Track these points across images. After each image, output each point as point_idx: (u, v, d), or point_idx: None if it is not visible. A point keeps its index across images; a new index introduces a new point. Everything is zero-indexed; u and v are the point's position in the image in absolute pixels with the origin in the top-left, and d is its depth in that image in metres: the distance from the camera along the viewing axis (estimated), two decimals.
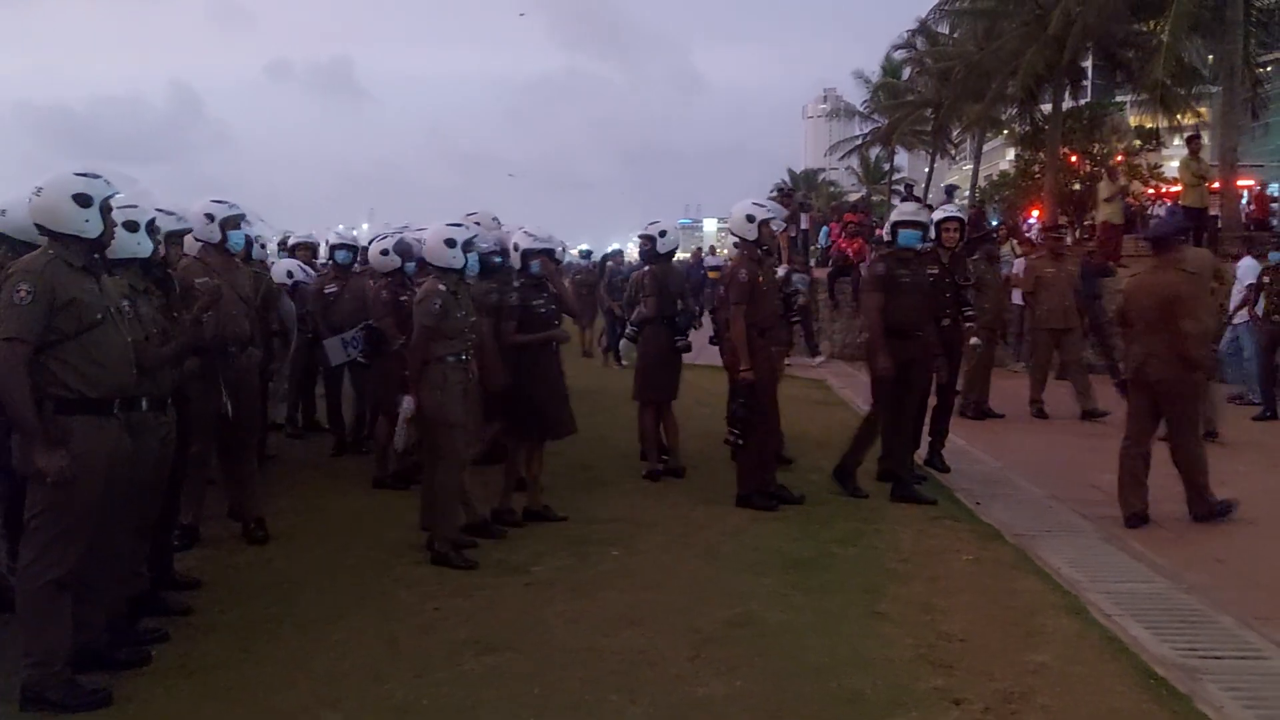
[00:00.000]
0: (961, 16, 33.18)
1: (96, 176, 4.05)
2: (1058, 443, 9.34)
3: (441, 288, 5.57)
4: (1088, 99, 33.83)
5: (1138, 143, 36.95)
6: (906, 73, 45.79)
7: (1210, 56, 22.86)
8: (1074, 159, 33.37)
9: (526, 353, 6.30)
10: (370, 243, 8.01)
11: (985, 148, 48.45)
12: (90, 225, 3.96)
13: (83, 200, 3.95)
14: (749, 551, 5.93)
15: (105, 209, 4.03)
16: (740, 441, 6.74)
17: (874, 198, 52.97)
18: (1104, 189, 16.48)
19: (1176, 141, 43.38)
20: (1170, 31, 19.64)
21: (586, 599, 5.16)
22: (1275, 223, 19.47)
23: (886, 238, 7.63)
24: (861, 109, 48.88)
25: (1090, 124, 33.76)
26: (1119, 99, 36.44)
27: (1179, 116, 25.58)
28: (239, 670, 4.27)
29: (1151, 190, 33.85)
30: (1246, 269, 11.21)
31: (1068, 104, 29.47)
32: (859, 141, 50.79)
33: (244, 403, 5.75)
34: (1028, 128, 33.65)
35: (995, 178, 42.32)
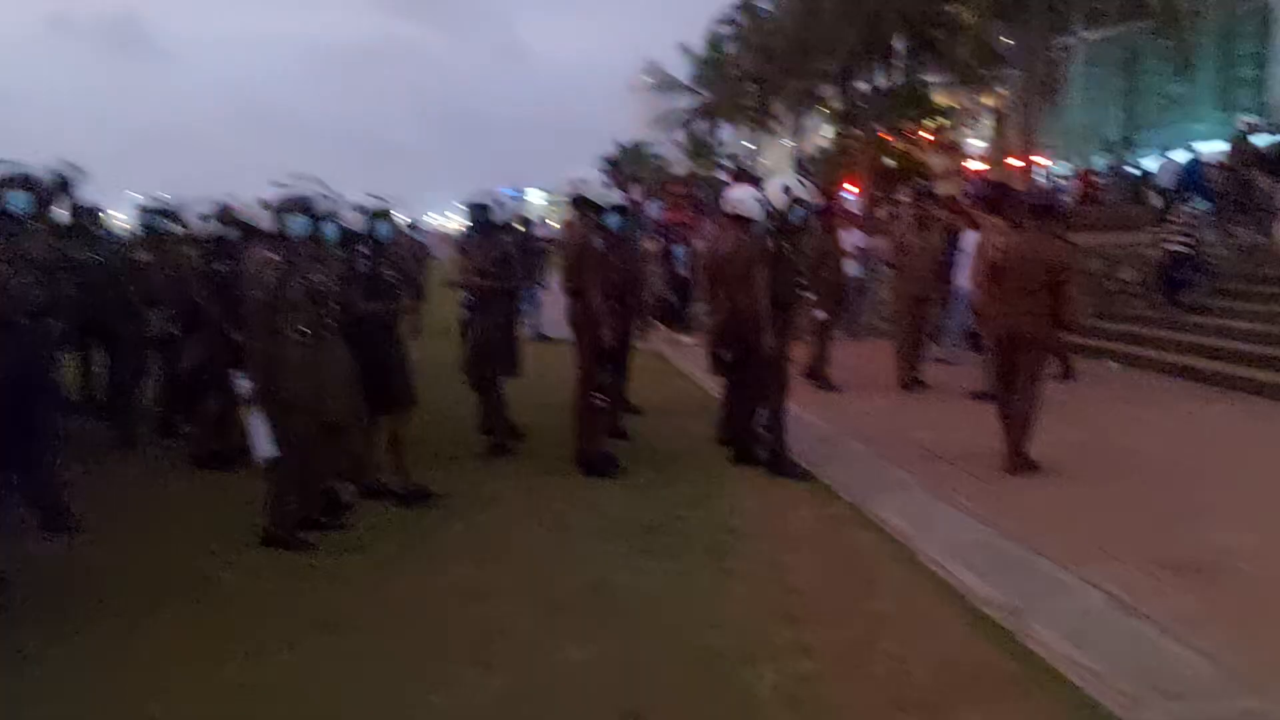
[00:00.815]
0: None
1: None
2: (884, 406, 9.73)
3: (276, 256, 5.31)
4: (901, 78, 35.26)
5: (945, 121, 38.81)
6: (730, 47, 46.59)
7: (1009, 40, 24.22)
8: (886, 136, 34.83)
9: (370, 324, 6.09)
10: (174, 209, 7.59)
11: (806, 123, 49.98)
12: None
13: None
14: (596, 519, 5.95)
15: None
16: (605, 404, 6.81)
17: (699, 171, 53.85)
18: (943, 164, 17.27)
19: (978, 120, 45.75)
20: (975, 13, 20.68)
21: (431, 574, 5.07)
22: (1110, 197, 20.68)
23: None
24: (687, 83, 49.50)
25: (903, 103, 35.21)
26: (927, 79, 38.19)
27: (982, 97, 27.08)
28: (52, 663, 4.00)
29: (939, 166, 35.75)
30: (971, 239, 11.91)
31: (882, 82, 30.65)
32: (684, 115, 51.45)
33: (33, 378, 5.32)
34: (845, 106, 34.89)
35: (815, 153, 43.61)
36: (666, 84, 52.33)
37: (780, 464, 6.87)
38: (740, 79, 44.30)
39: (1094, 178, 23.28)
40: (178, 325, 7.14)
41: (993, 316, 7.10)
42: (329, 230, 5.51)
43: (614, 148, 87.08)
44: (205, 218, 7.02)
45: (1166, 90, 70.39)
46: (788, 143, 61.84)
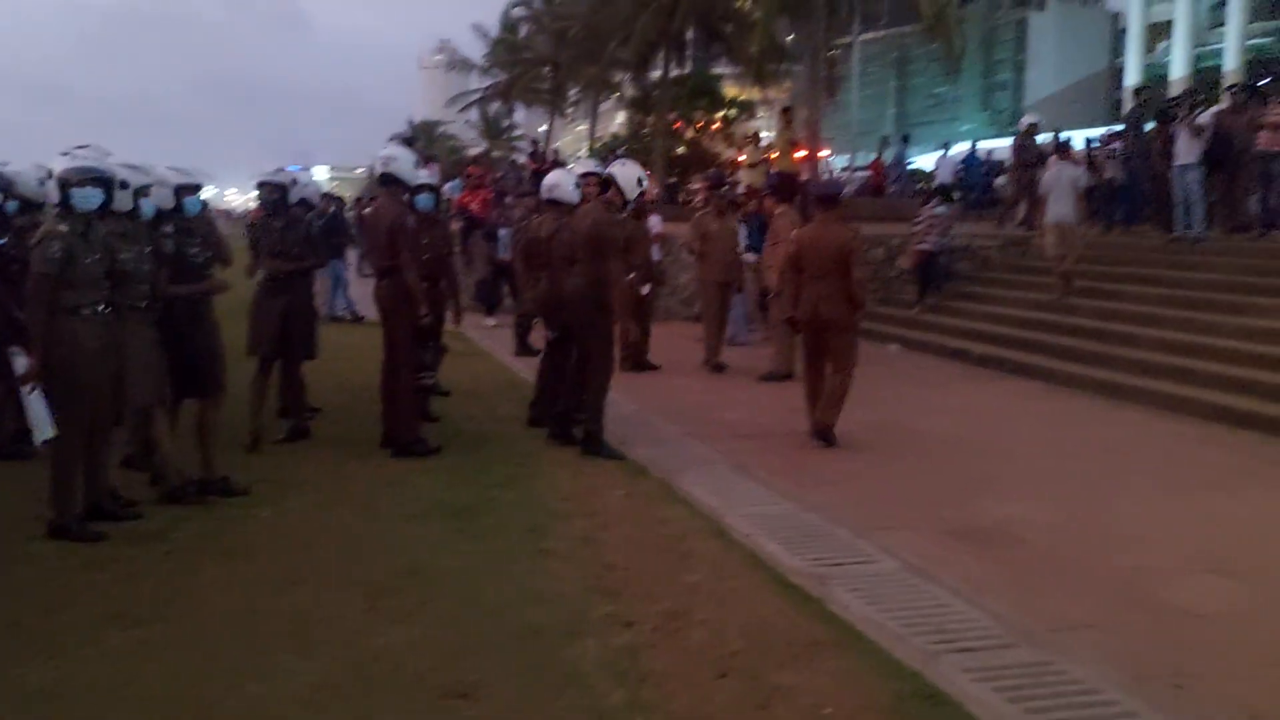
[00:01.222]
0: None
1: None
2: (687, 387, 9.98)
3: (63, 228, 4.91)
4: (690, 68, 36.03)
5: (734, 112, 39.97)
6: (525, 29, 46.32)
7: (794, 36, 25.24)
8: (679, 125, 35.51)
9: (180, 305, 5.73)
10: None
11: (600, 109, 50.30)
12: None
13: None
14: (408, 502, 5.85)
15: None
16: (432, 384, 6.69)
17: (494, 153, 53.35)
18: (749, 155, 17.81)
19: (764, 113, 47.32)
20: (763, 10, 21.39)
21: (239, 562, 4.87)
22: (894, 190, 21.70)
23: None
24: (481, 63, 48.86)
25: (693, 93, 36.00)
26: (716, 71, 39.24)
27: (769, 90, 28.05)
28: None
29: (744, 157, 36.93)
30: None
31: (675, 72, 31.23)
32: (479, 95, 50.82)
33: None
34: (638, 92, 35.36)
35: (607, 139, 44.07)
36: (459, 64, 51.49)
37: (595, 444, 6.93)
38: (535, 62, 44.22)
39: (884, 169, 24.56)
40: None
41: (795, 300, 7.44)
42: (144, 206, 5.17)
43: (405, 126, 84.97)
44: None
45: (934, 91, 75.16)
46: (581, 127, 62.07)
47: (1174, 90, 46.63)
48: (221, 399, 5.97)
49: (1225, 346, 9.28)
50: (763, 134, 47.53)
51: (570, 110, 48.21)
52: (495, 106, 51.22)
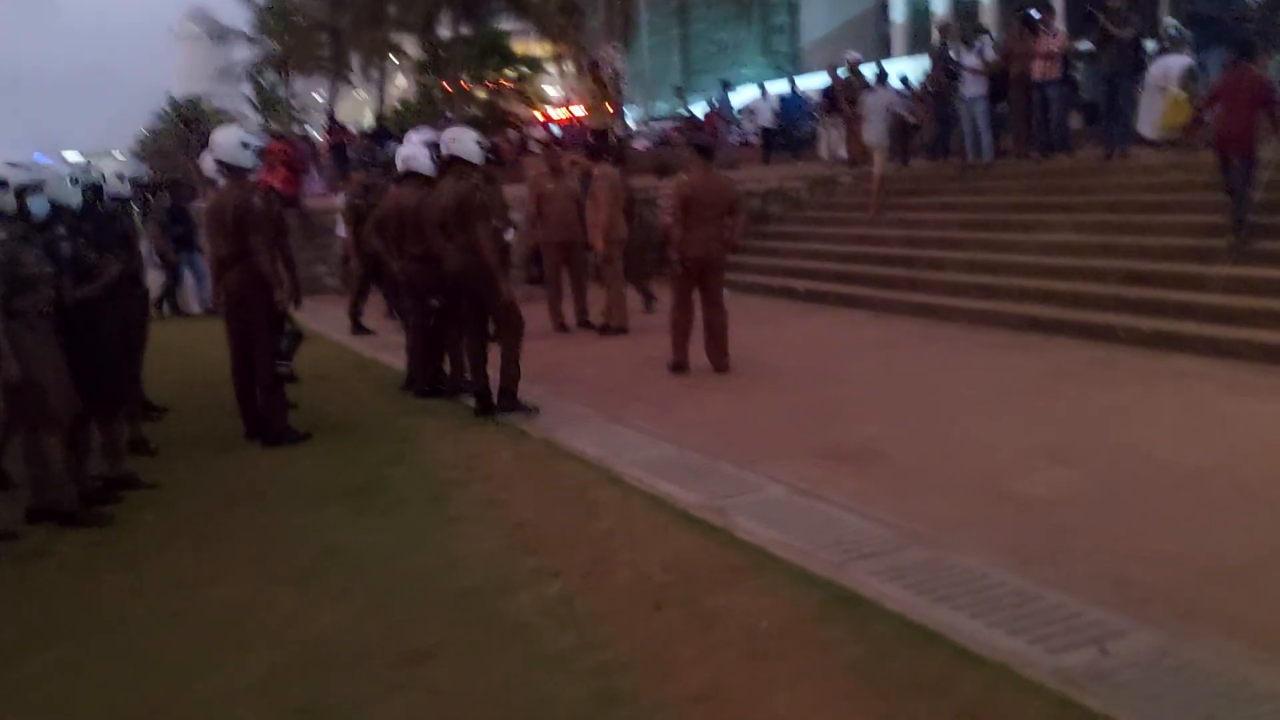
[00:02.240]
0: None
1: None
2: (537, 350, 10.04)
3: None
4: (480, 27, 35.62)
5: (525, 70, 39.77)
6: None
7: None
8: (467, 86, 35.12)
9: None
10: None
11: (384, 74, 48.89)
12: None
13: None
14: (298, 489, 5.82)
15: None
16: (290, 372, 6.58)
17: (273, 126, 51.04)
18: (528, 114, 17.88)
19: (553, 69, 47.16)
20: None
21: (141, 568, 4.76)
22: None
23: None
24: (248, 31, 46.45)
25: (483, 52, 35.60)
26: (503, 28, 38.86)
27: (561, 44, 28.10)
28: None
29: (539, 113, 36.93)
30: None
31: (464, 32, 30.80)
32: (250, 67, 48.33)
33: None
34: (426, 55, 34.68)
35: (398, 105, 42.99)
36: (221, 33, 48.68)
37: (512, 402, 7.15)
38: (310, 29, 42.44)
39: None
40: None
41: (687, 243, 8.18)
42: (36, 206, 4.88)
43: (165, 101, 79.89)
44: None
45: (715, 37, 76.54)
46: (362, 95, 59.92)
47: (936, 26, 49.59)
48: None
49: (1024, 261, 10.17)
50: (551, 90, 47.53)
51: (352, 77, 46.57)
52: (270, 77, 48.96)
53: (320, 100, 51.35)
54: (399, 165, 7.46)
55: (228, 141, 6.54)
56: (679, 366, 8.31)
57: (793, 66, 60.21)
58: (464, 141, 7.21)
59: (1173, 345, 7.74)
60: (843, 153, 15.42)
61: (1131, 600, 3.85)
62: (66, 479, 5.27)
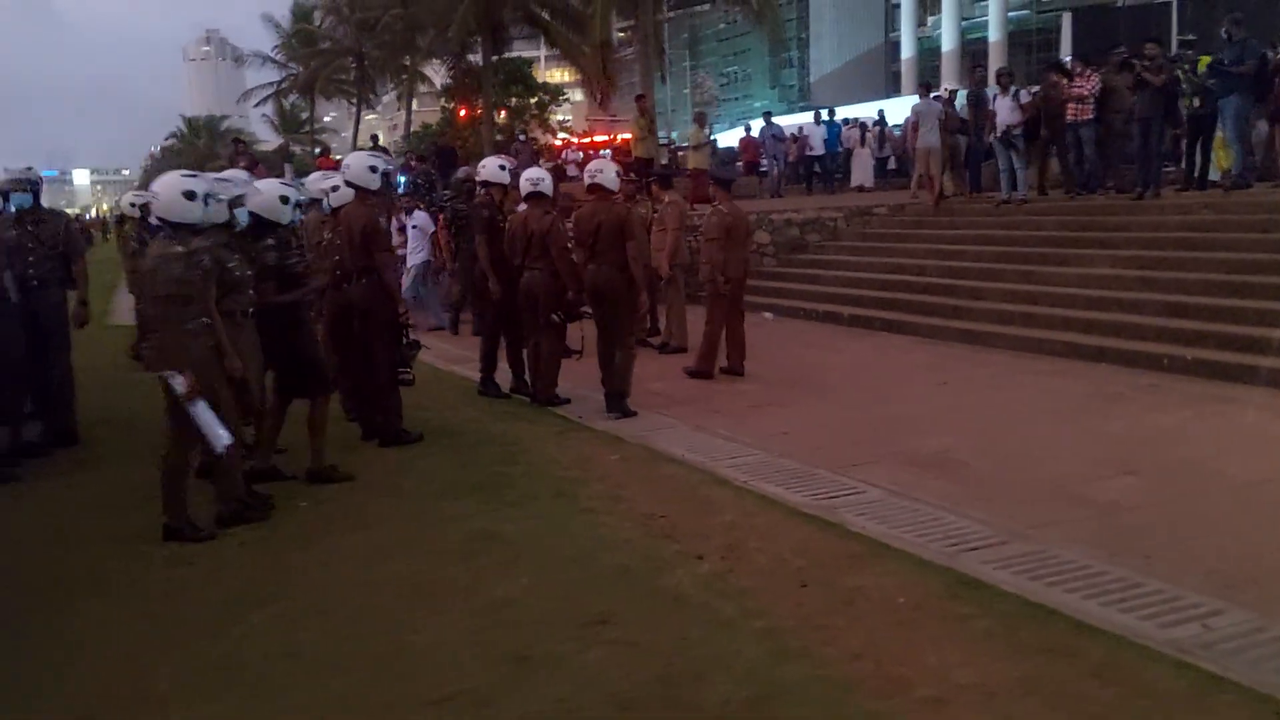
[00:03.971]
0: None
1: None
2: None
3: (182, 248, 5.15)
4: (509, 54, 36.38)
5: (547, 98, 40.60)
6: (321, 19, 45.23)
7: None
8: (504, 110, 35.92)
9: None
10: None
11: (391, 98, 49.69)
12: None
13: None
14: (428, 483, 6.32)
15: None
16: (412, 378, 7.15)
17: (294, 147, 51.87)
18: (693, 137, 18.61)
19: (578, 96, 47.97)
20: (596, 6, 22.10)
21: (313, 548, 5.26)
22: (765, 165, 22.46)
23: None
24: (275, 55, 47.35)
25: (507, 79, 36.40)
26: (525, 55, 39.73)
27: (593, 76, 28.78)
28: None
29: (561, 141, 37.68)
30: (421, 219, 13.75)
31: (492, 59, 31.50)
32: (274, 88, 49.21)
33: None
34: (451, 81, 35.41)
35: (418, 128, 43.79)
36: (240, 57, 49.55)
37: (621, 405, 7.98)
38: (335, 53, 43.29)
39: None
40: None
41: (729, 265, 9.14)
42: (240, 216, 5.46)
43: (181, 122, 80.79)
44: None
45: (725, 70, 77.30)
46: (375, 117, 60.30)
47: (945, 63, 50.51)
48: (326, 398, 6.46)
49: (1063, 293, 10.72)
50: (563, 118, 48.19)
51: (374, 100, 47.45)
52: (293, 100, 49.82)
53: (327, 120, 52.02)
54: (525, 187, 8.07)
55: (358, 164, 7.11)
56: (705, 374, 9.30)
57: (802, 100, 61.45)
58: (607, 172, 8.10)
59: (1217, 373, 8.28)
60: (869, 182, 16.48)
61: (1220, 586, 4.37)
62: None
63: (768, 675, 3.66)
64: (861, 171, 20.89)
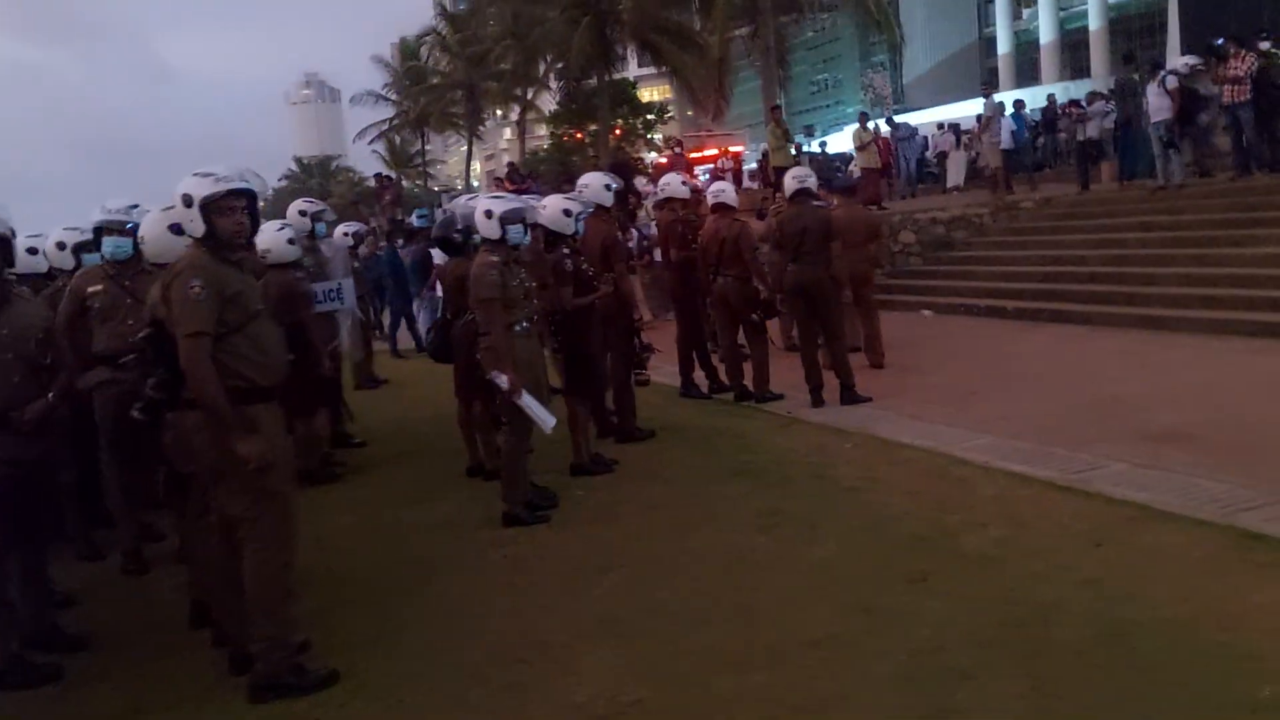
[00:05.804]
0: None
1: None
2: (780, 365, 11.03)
3: (497, 259, 5.79)
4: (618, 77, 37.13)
5: (650, 117, 41.28)
6: (424, 54, 46.75)
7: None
8: (581, 135, 36.75)
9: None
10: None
11: (488, 126, 50.93)
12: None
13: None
14: (686, 471, 6.83)
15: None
16: (647, 379, 7.71)
17: (405, 182, 53.51)
18: (858, 137, 19.29)
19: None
20: (716, 23, 22.71)
21: (614, 525, 5.82)
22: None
23: None
24: (384, 93, 49.06)
25: (614, 101, 37.13)
26: (635, 76, 40.55)
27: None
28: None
29: (665, 157, 38.29)
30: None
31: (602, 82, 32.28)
32: (386, 125, 50.95)
33: None
34: (558, 107, 36.36)
35: (528, 154, 44.92)
36: (363, 97, 51.42)
37: (853, 395, 8.54)
38: (445, 87, 44.74)
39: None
40: None
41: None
42: (514, 234, 6.00)
43: (292, 163, 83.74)
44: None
45: (815, 78, 76.99)
46: (461, 148, 61.23)
47: (1045, 55, 49.73)
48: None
49: (1243, 274, 10.77)
50: (659, 136, 48.68)
51: (483, 131, 48.90)
52: (404, 135, 51.56)
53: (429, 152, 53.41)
54: (711, 199, 8.59)
55: (596, 184, 7.70)
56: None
57: (896, 104, 61.09)
58: (728, 192, 8.84)
59: None
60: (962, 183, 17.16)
61: None
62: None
63: (1109, 616, 4.01)
64: (956, 172, 21.49)
